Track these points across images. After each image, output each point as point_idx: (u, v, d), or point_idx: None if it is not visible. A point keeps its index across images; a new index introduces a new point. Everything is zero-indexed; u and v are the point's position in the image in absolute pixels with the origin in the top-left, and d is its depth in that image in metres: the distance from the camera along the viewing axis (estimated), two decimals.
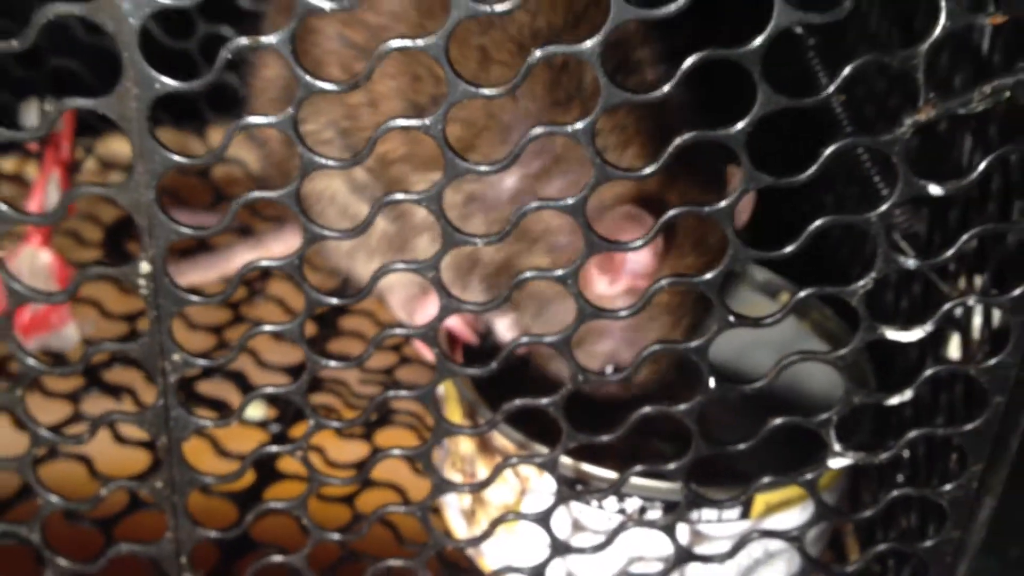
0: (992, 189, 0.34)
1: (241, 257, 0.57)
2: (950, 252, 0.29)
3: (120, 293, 0.59)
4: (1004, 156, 0.29)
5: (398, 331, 0.34)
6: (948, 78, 0.38)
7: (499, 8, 0.28)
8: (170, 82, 0.29)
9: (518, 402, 0.33)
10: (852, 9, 0.26)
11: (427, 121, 0.29)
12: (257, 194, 0.32)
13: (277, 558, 0.38)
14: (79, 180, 0.64)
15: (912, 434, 0.32)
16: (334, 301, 0.33)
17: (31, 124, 0.61)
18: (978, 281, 0.37)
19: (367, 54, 0.43)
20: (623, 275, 0.41)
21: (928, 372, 0.31)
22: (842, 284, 0.30)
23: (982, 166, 0.28)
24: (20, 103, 0.64)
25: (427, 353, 0.52)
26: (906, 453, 0.41)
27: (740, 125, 0.28)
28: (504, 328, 0.46)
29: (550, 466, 0.35)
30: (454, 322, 0.48)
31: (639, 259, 0.40)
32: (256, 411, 0.52)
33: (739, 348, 0.53)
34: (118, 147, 0.68)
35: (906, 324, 0.31)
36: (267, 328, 0.34)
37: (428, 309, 0.49)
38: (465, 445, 0.43)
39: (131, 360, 0.53)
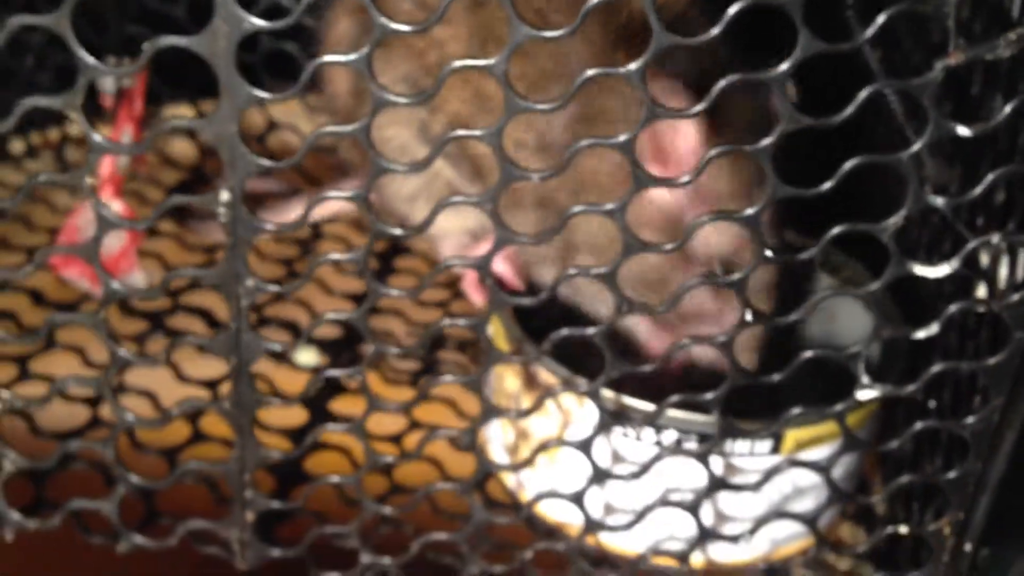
0: (1021, 141, 0.36)
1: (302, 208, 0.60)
2: (977, 190, 0.31)
3: (181, 248, 0.62)
4: None
5: (455, 262, 0.36)
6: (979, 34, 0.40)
7: None
8: (257, 21, 0.32)
9: (564, 331, 0.36)
10: None
11: (492, 61, 0.32)
12: (331, 128, 0.34)
13: (334, 479, 0.40)
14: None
15: (937, 367, 0.35)
16: (397, 231, 0.36)
17: (108, 86, 0.64)
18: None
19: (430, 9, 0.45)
20: (675, 161, 0.41)
21: (953, 308, 0.33)
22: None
23: (1007, 109, 0.30)
24: None
25: (477, 296, 0.55)
26: (932, 404, 0.43)
27: (782, 67, 0.30)
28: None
29: (593, 394, 0.37)
30: (502, 268, 0.50)
31: (687, 138, 0.40)
32: (309, 357, 0.55)
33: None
34: (182, 112, 0.71)
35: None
36: (334, 257, 0.37)
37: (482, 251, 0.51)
38: (511, 383, 0.45)
39: (193, 309, 0.57)
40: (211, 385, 0.53)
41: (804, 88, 0.35)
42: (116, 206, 0.56)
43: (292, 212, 0.60)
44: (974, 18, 0.40)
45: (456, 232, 0.51)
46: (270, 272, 0.61)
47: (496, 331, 0.46)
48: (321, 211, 0.45)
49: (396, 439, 0.51)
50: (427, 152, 0.49)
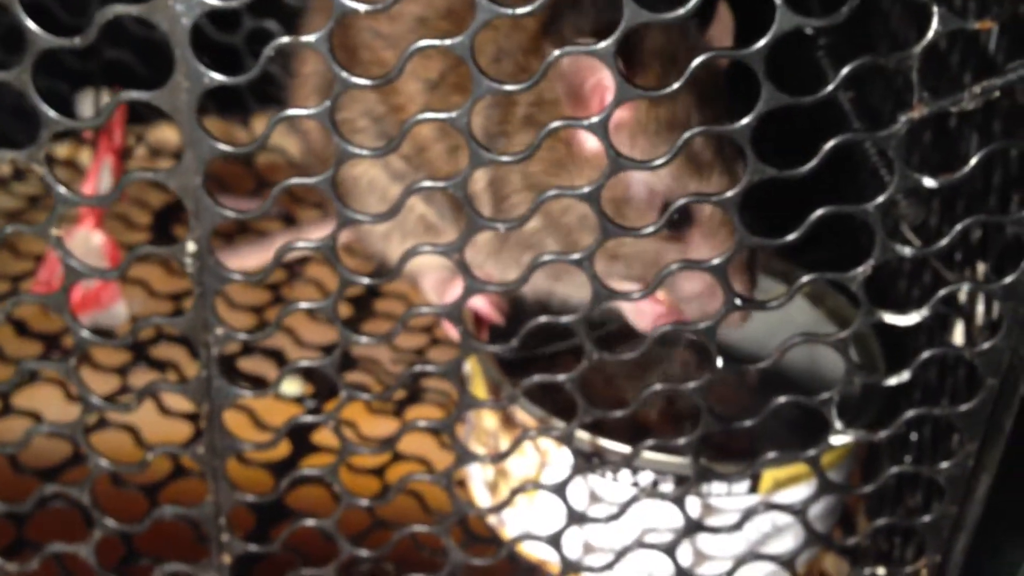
0: (993, 182, 0.35)
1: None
2: (944, 242, 0.31)
3: (166, 274, 0.62)
4: (1000, 151, 0.31)
5: (425, 310, 0.36)
6: (958, 76, 0.40)
7: (520, 11, 0.30)
8: (218, 77, 0.32)
9: (537, 377, 0.35)
10: (874, 7, 0.28)
11: (454, 114, 0.32)
12: (296, 180, 0.34)
13: (310, 522, 0.40)
14: (130, 166, 0.67)
15: (909, 413, 0.34)
16: (365, 280, 0.35)
17: (87, 113, 0.64)
18: (983, 270, 0.38)
19: (393, 41, 0.45)
20: (590, 104, 0.40)
21: (925, 355, 0.33)
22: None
23: (974, 160, 0.30)
24: (76, 93, 0.68)
25: (454, 332, 0.55)
26: (914, 436, 0.43)
27: (745, 120, 0.30)
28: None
29: (567, 439, 0.37)
30: (480, 303, 0.50)
31: (607, 85, 0.39)
32: (293, 387, 0.55)
33: (760, 337, 0.55)
34: (167, 135, 0.71)
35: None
36: (303, 305, 0.36)
37: (457, 291, 0.51)
38: (489, 421, 0.45)
39: (175, 338, 0.57)
40: (192, 417, 0.53)
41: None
42: (97, 238, 0.56)
43: (269, 249, 0.60)
44: (950, 51, 0.39)
45: (434, 267, 0.51)
46: (253, 297, 0.61)
47: (474, 371, 0.46)
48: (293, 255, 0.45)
49: (378, 471, 0.51)
50: (396, 187, 0.49)
